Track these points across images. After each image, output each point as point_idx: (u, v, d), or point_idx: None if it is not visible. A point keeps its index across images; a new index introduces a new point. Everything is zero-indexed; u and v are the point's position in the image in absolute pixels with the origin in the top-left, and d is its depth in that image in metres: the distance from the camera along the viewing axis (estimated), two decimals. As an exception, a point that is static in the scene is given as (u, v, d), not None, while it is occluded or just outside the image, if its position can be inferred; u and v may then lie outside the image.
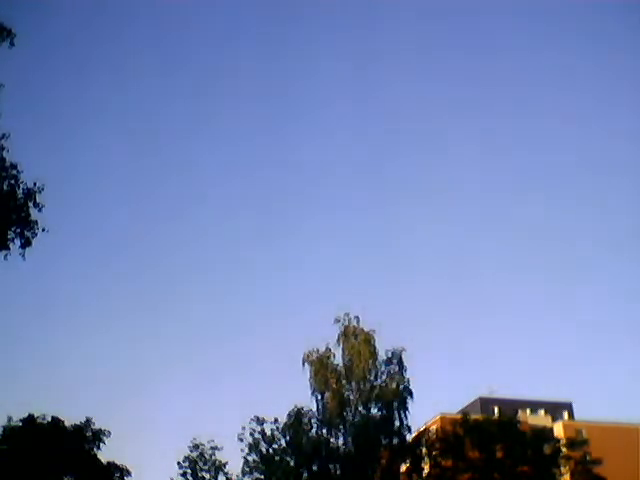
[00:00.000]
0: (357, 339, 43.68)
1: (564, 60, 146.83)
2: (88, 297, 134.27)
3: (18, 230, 19.48)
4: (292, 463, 42.31)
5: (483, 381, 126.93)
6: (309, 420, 42.82)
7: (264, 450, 42.83)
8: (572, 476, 45.95)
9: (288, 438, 42.60)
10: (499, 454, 43.29)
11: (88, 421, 44.23)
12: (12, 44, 19.31)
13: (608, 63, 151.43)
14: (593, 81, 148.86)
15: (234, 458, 44.71)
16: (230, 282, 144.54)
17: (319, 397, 43.27)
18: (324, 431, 42.63)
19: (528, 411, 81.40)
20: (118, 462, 44.31)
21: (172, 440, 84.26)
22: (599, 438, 63.91)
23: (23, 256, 19.73)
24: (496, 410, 73.60)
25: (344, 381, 43.18)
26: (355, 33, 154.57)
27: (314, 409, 43.14)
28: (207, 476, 43.22)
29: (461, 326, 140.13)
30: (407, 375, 43.58)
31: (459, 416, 50.18)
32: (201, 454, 43.40)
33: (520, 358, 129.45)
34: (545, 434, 48.61)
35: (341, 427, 42.32)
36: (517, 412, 70.06)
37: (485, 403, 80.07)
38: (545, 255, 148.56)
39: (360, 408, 42.60)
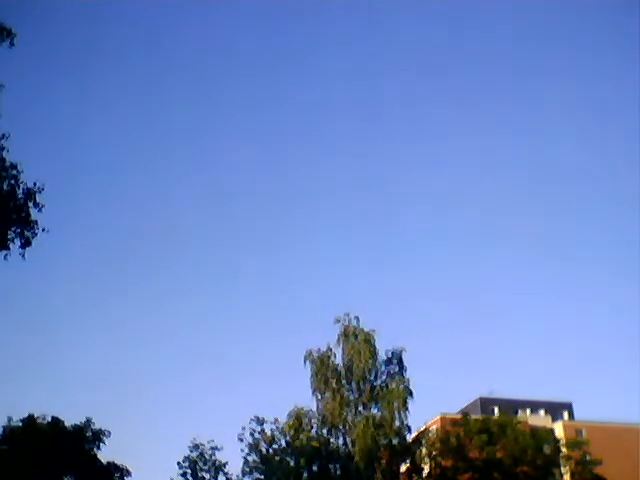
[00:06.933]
0: (357, 339, 43.70)
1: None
2: (88, 297, 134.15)
3: (18, 230, 19.51)
4: (292, 463, 42.28)
5: (483, 381, 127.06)
6: (309, 420, 42.81)
7: (264, 450, 42.88)
8: (572, 476, 46.05)
9: (288, 438, 42.61)
10: (499, 454, 43.34)
11: (88, 421, 44.37)
12: (12, 44, 19.36)
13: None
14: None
15: (234, 458, 44.84)
16: (230, 282, 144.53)
17: (319, 397, 43.33)
18: (324, 431, 42.66)
19: (528, 411, 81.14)
20: (118, 462, 44.51)
21: (172, 440, 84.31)
22: (599, 438, 63.60)
23: (23, 256, 19.77)
24: (496, 410, 73.41)
25: (344, 381, 43.22)
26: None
27: (314, 409, 43.23)
28: (207, 476, 43.27)
29: (461, 326, 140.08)
30: (407, 375, 43.68)
31: (459, 416, 50.24)
32: (201, 454, 43.43)
33: (520, 358, 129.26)
34: (545, 434, 48.65)
35: (341, 427, 42.36)
36: (517, 412, 70.21)
37: (485, 403, 79.86)
38: (545, 255, 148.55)
39: (360, 408, 42.65)
